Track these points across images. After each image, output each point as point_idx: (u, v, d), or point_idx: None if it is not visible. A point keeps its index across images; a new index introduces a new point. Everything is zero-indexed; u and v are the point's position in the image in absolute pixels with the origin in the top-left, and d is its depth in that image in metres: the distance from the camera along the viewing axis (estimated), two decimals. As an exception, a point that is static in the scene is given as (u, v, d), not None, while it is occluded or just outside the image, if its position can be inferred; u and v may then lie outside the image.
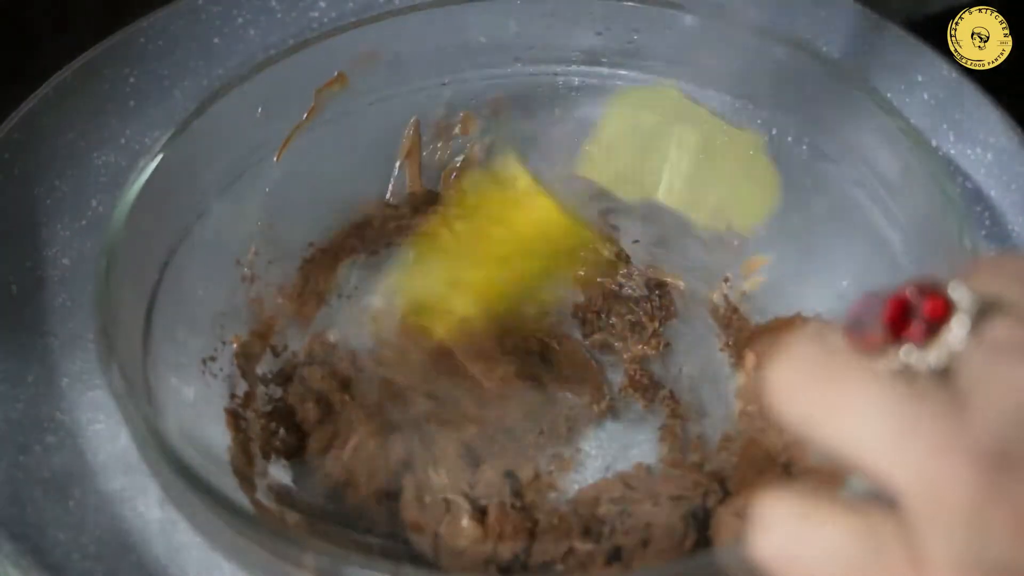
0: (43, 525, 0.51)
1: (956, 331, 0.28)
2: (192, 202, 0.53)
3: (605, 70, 0.58)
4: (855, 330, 0.30)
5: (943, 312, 0.29)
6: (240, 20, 0.63)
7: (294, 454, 0.54)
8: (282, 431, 0.54)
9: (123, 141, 0.60)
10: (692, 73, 0.56)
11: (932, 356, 0.29)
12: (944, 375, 0.28)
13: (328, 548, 0.42)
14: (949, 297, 0.29)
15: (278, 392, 0.56)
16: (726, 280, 0.58)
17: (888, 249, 0.52)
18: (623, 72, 0.58)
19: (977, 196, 0.57)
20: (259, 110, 0.54)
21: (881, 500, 0.28)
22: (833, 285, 0.54)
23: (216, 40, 0.63)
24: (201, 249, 0.53)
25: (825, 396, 0.29)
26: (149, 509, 0.52)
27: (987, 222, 0.56)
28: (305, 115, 0.55)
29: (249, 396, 0.54)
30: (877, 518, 0.28)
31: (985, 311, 0.28)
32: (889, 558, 0.28)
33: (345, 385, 0.56)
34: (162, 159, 0.50)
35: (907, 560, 0.27)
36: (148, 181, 0.50)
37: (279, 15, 0.64)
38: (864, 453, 0.28)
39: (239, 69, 0.55)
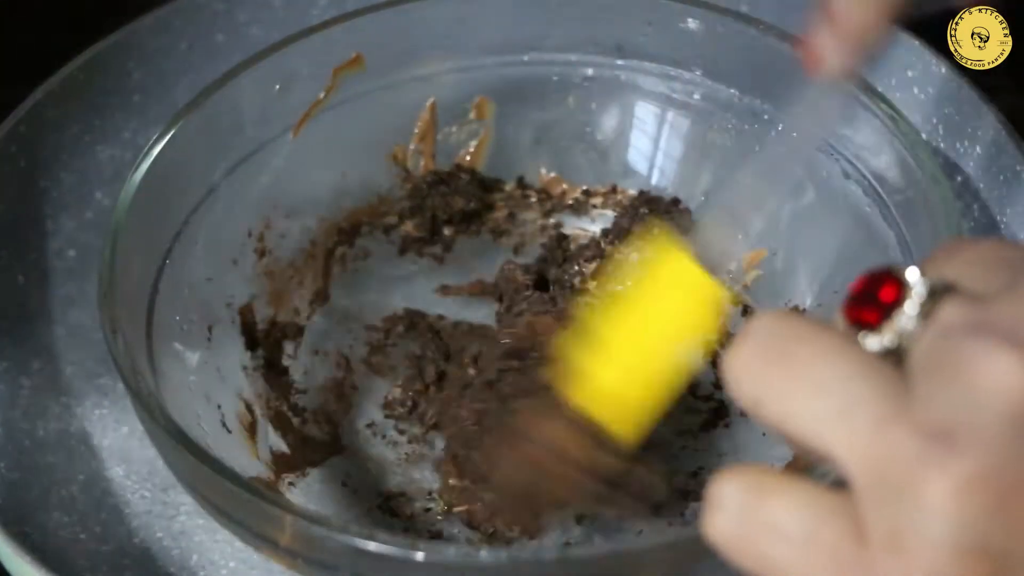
0: (48, 510, 0.51)
1: (907, 312, 0.29)
2: (207, 173, 0.53)
3: (619, 61, 0.58)
4: (852, 308, 0.31)
5: (897, 295, 0.30)
6: (242, 18, 0.64)
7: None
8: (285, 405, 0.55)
9: (127, 135, 0.61)
10: (699, 67, 0.57)
11: (886, 338, 0.30)
12: (898, 356, 0.29)
13: (307, 512, 0.42)
14: (904, 281, 0.30)
15: (287, 362, 0.57)
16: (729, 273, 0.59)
17: (882, 243, 0.52)
18: (636, 63, 0.58)
19: (966, 189, 0.57)
20: (276, 87, 0.55)
21: (833, 477, 0.29)
22: (828, 279, 0.55)
23: (219, 37, 0.64)
24: (214, 219, 0.53)
25: (775, 376, 0.29)
26: (152, 494, 0.53)
27: (976, 214, 0.57)
28: (323, 93, 0.56)
29: (255, 365, 0.55)
30: (826, 494, 0.29)
31: (938, 294, 0.29)
32: (833, 532, 0.28)
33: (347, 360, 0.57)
34: (179, 129, 0.51)
35: (851, 534, 0.28)
36: (164, 149, 0.50)
37: (281, 13, 0.65)
38: (811, 430, 0.29)
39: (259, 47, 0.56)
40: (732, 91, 0.57)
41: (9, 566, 0.48)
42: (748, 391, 0.30)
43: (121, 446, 0.54)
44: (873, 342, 0.30)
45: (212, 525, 0.51)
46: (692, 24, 0.56)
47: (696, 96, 0.58)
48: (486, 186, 0.61)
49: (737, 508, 0.29)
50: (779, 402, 0.29)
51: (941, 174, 0.49)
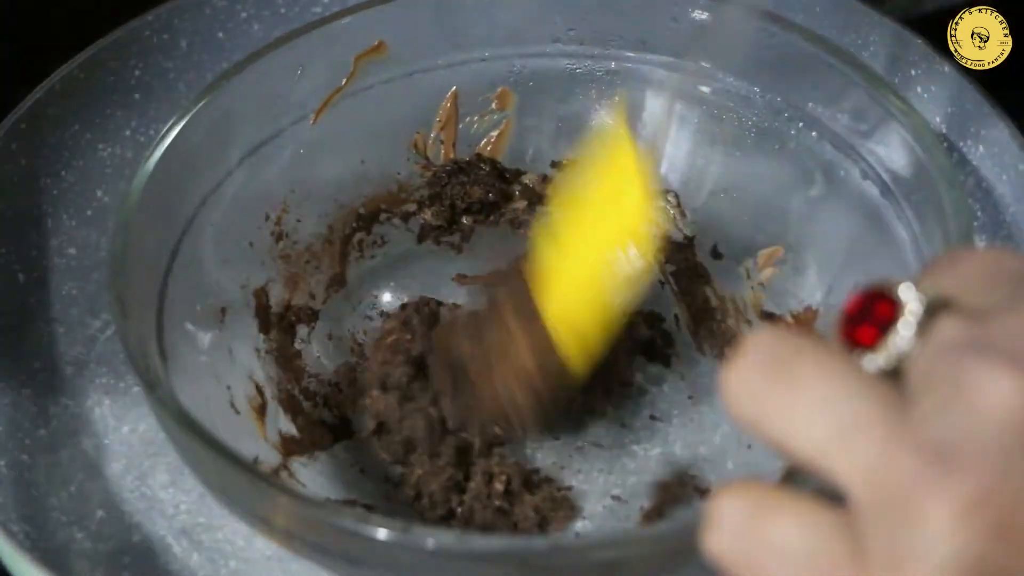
0: (48, 508, 0.51)
1: (902, 333, 0.29)
2: (226, 156, 0.53)
3: (644, 55, 0.58)
4: (847, 327, 0.30)
5: (892, 314, 0.29)
6: (244, 15, 0.64)
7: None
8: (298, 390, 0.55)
9: (128, 133, 0.61)
10: (723, 63, 0.56)
11: (881, 358, 0.29)
12: (896, 375, 0.29)
13: (304, 497, 0.42)
14: (898, 299, 0.29)
15: (299, 346, 0.56)
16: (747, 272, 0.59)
17: (895, 241, 0.51)
18: (660, 58, 0.58)
19: (969, 189, 0.57)
20: (298, 72, 0.54)
21: (834, 496, 0.29)
22: (839, 276, 0.55)
23: (220, 34, 0.63)
24: (231, 201, 0.53)
25: (776, 395, 0.29)
26: (152, 492, 0.53)
27: (979, 214, 0.57)
28: (344, 80, 0.56)
29: (267, 348, 0.55)
30: (826, 512, 0.29)
31: (935, 310, 0.29)
32: (833, 552, 0.28)
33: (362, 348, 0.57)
34: (198, 111, 0.51)
35: (850, 555, 0.28)
36: (182, 131, 0.50)
37: (283, 10, 0.64)
38: (811, 450, 0.29)
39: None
40: (755, 88, 0.56)
41: (9, 565, 0.48)
42: (747, 409, 0.30)
43: (121, 445, 0.54)
44: (870, 362, 0.29)
45: (213, 523, 0.51)
46: (716, 20, 0.55)
47: (719, 92, 0.57)
48: (506, 177, 0.60)
49: (736, 527, 0.29)
50: (779, 422, 0.29)
51: (955, 174, 0.48)
